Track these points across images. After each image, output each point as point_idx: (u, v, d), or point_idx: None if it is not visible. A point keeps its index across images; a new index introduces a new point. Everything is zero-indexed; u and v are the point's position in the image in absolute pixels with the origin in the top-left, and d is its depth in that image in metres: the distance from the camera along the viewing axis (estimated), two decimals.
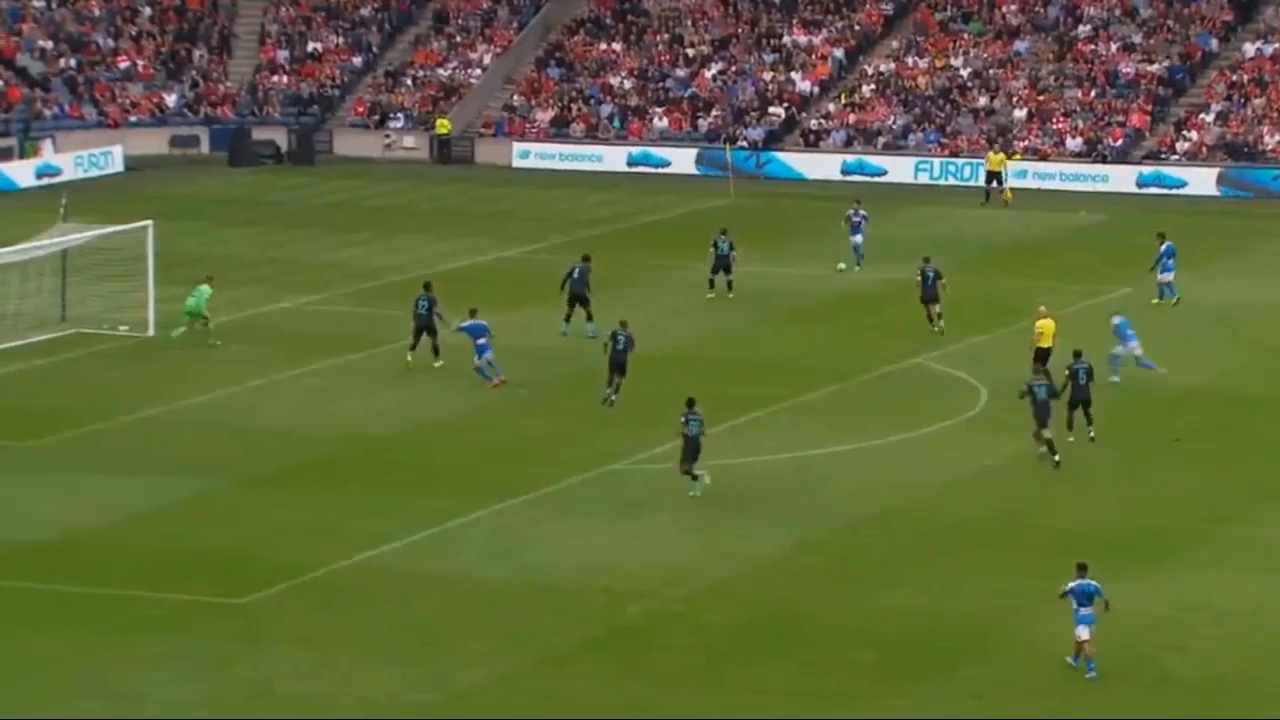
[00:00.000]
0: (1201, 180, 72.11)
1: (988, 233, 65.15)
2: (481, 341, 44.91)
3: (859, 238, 56.75)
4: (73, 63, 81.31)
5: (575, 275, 49.63)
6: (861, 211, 57.12)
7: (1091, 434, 41.09)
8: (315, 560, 34.63)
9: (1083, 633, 29.96)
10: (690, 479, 37.77)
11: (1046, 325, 44.61)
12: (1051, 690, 29.78)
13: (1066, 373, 41.36)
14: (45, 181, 72.18)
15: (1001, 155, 71.45)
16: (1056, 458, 39.75)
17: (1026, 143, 74.90)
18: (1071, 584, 30.28)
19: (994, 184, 70.16)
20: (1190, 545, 35.89)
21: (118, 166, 75.79)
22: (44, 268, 51.05)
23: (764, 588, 33.72)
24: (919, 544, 35.85)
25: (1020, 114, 76.37)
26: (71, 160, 74.37)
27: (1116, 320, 45.85)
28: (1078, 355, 41.65)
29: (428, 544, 35.69)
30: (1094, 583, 30.24)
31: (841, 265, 56.35)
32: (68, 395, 45.33)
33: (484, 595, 33.33)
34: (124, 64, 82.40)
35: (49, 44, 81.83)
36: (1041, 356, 44.10)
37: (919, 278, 50.29)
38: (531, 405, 43.97)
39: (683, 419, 37.92)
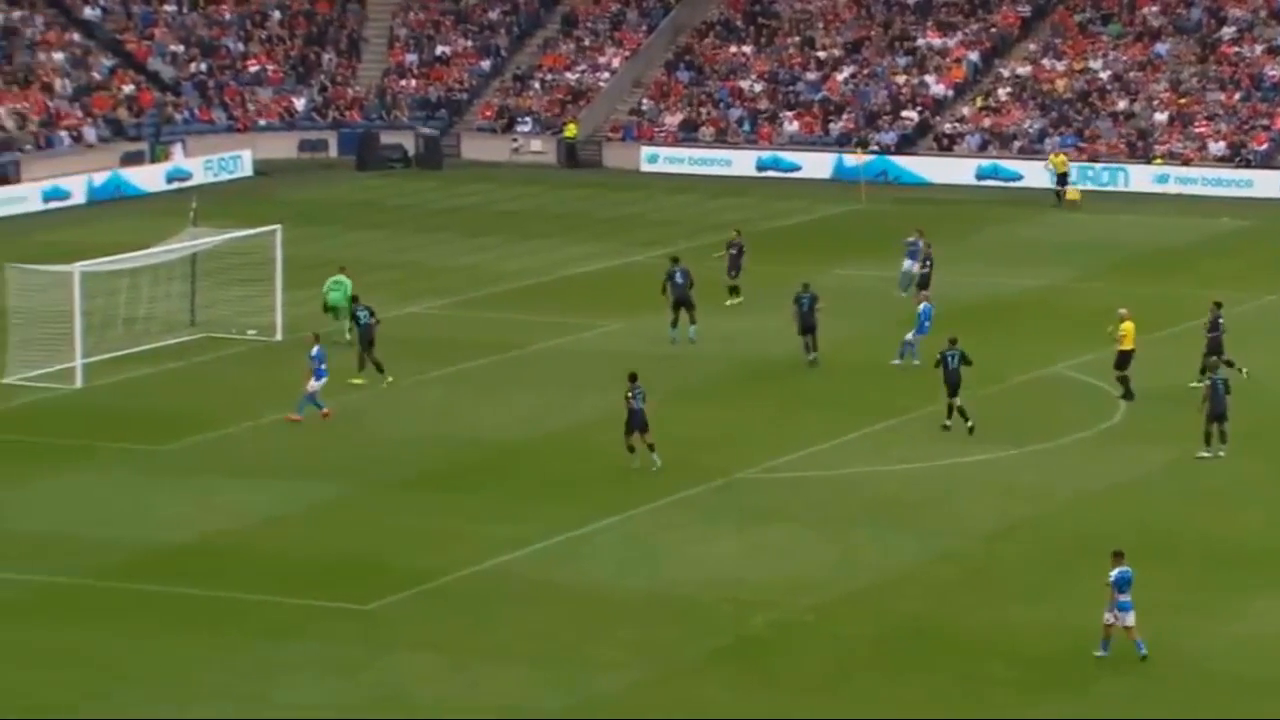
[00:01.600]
0: None
1: (1128, 239, 64.12)
2: (323, 368, 42.88)
3: (912, 264, 53.23)
4: (203, 67, 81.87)
5: (677, 279, 48.85)
6: (916, 239, 53.65)
7: (1222, 452, 40.04)
8: (444, 566, 34.42)
9: (1129, 619, 29.89)
10: (639, 450, 38.72)
11: (1128, 327, 44.02)
12: (1190, 705, 29.05)
13: (1206, 384, 40.35)
14: (175, 185, 72.66)
15: (1063, 156, 70.76)
16: (970, 423, 40.89)
17: (1168, 147, 73.68)
18: (1112, 572, 30.01)
19: (1063, 185, 69.47)
20: None
21: (247, 170, 76.23)
22: (174, 272, 51.25)
23: (896, 599, 33.16)
24: (1056, 556, 35.14)
25: (1161, 118, 75.12)
26: (201, 164, 74.87)
27: (921, 306, 46.85)
28: (1226, 364, 40.63)
29: (557, 551, 35.39)
30: (1130, 570, 30.03)
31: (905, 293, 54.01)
32: (198, 399, 45.41)
33: (613, 603, 32.99)
34: (254, 68, 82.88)
35: (180, 48, 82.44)
36: (1123, 359, 43.45)
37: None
38: (659, 412, 43.51)
39: (629, 394, 38.94)
